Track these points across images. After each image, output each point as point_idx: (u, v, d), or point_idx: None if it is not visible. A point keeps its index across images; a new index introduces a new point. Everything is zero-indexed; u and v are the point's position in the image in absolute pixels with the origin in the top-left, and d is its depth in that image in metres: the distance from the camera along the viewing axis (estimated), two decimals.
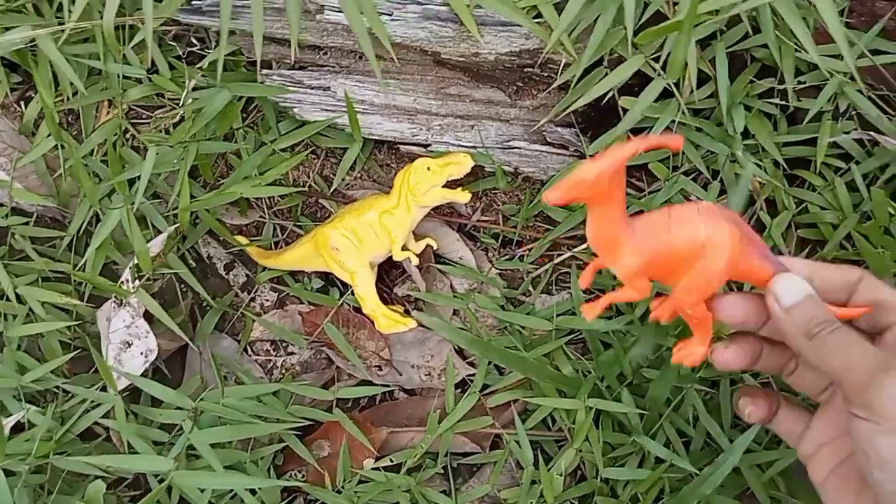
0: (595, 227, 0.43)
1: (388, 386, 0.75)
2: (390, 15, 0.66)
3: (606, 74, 0.69)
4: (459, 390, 0.73)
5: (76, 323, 0.71)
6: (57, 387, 0.68)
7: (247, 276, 0.81)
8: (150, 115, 0.83)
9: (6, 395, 0.65)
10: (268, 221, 0.81)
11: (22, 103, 0.85)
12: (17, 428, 0.66)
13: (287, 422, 0.65)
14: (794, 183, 0.75)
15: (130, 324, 0.69)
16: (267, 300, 0.81)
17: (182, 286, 0.80)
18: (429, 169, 0.70)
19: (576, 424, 0.64)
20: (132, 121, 0.83)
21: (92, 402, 0.64)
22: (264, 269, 0.80)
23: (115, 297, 0.70)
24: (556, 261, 0.77)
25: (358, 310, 0.76)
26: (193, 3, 0.67)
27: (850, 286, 0.45)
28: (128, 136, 0.82)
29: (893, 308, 0.44)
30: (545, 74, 0.71)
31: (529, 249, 0.79)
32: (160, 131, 0.82)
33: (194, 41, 0.75)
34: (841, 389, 0.43)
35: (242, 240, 0.79)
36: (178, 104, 0.81)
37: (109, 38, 0.65)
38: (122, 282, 0.69)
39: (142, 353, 0.68)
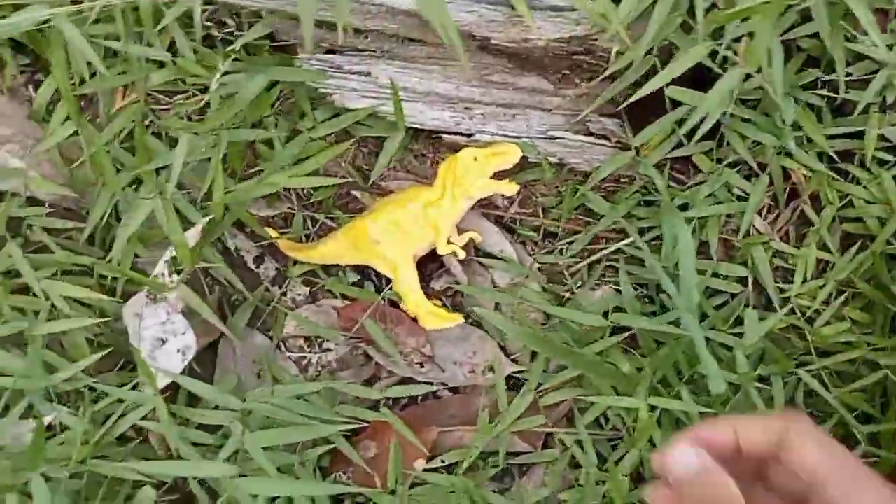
0: None
1: (431, 384, 0.72)
2: None
3: (654, 64, 0.67)
4: (507, 388, 0.71)
5: (103, 320, 0.67)
6: (85, 386, 0.64)
7: (277, 269, 0.78)
8: (170, 101, 0.79)
9: (34, 396, 0.61)
10: (298, 213, 0.77)
11: (30, 87, 0.80)
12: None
13: (337, 422, 0.62)
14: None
15: (166, 320, 0.65)
16: (299, 294, 0.77)
17: (208, 280, 0.77)
18: (475, 159, 0.68)
19: (637, 424, 0.62)
20: (150, 107, 0.79)
21: (129, 402, 0.60)
22: (296, 262, 0.77)
23: (148, 292, 0.66)
24: (598, 255, 0.76)
25: (395, 304, 0.74)
26: None
27: (774, 445, 0.38)
28: (147, 123, 0.77)
29: (812, 474, 0.37)
30: (594, 62, 0.69)
31: (570, 243, 0.77)
32: (181, 118, 0.78)
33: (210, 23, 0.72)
34: None
35: (273, 232, 0.76)
36: (200, 90, 0.78)
37: (146, 18, 0.61)
38: (159, 275, 0.65)
39: (178, 351, 0.64)
